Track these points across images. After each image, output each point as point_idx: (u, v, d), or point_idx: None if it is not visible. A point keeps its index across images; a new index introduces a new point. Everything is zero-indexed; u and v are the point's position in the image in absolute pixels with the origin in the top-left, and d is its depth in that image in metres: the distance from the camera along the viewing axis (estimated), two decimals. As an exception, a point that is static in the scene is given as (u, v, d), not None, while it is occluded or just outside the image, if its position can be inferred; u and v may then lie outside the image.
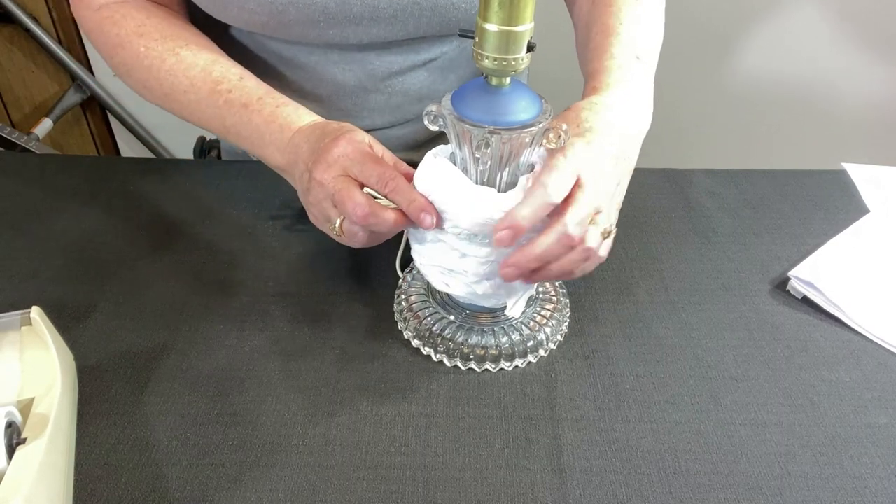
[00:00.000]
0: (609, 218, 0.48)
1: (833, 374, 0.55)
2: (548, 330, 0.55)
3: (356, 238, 0.49)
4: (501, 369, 0.54)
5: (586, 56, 0.59)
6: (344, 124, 0.53)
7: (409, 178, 0.49)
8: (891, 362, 0.56)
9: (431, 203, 0.47)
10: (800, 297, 0.61)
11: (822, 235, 0.67)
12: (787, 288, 0.62)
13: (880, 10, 1.33)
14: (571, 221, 0.44)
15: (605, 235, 0.48)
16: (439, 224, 0.48)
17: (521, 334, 0.54)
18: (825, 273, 0.61)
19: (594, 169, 0.46)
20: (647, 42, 0.58)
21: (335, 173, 0.48)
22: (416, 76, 0.70)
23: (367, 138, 0.51)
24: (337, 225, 0.49)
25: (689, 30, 1.39)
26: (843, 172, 0.76)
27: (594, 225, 0.46)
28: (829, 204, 0.72)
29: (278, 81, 0.69)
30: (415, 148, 0.78)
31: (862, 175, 0.75)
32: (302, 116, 0.56)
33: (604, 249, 0.49)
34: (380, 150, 0.52)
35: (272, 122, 0.56)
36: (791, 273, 0.62)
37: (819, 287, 0.60)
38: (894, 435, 0.50)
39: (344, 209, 0.48)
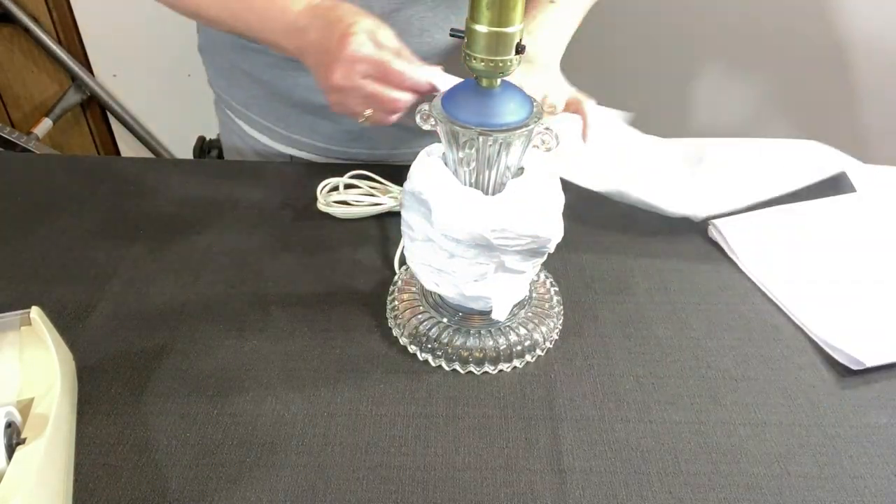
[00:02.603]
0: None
1: (832, 373, 0.55)
2: (543, 329, 0.55)
3: (386, 120, 0.55)
4: (500, 370, 0.54)
5: None
6: (344, 12, 0.54)
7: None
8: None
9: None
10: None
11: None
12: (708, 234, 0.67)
13: (881, 10, 1.33)
14: None
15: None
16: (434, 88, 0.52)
17: (517, 335, 0.54)
18: (748, 233, 0.66)
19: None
20: None
21: (360, 76, 0.52)
22: (416, 9, 0.69)
23: (367, 29, 0.53)
24: (367, 114, 0.54)
25: (689, 30, 1.39)
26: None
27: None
28: (829, 204, 0.72)
29: None
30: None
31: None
32: None
33: None
34: (383, 36, 0.53)
35: (272, 5, 0.57)
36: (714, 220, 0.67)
37: (730, 241, 0.65)
38: (894, 435, 0.50)
39: (383, 107, 0.53)
